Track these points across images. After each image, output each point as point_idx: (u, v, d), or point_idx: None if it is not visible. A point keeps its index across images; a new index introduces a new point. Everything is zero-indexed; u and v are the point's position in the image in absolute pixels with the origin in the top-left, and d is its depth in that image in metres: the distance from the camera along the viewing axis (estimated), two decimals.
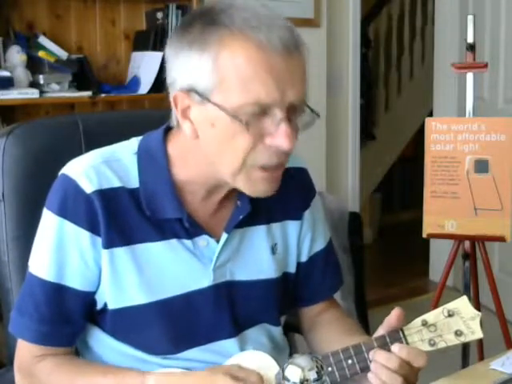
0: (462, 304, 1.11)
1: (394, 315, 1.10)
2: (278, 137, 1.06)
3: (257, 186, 1.11)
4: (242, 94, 1.03)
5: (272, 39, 1.03)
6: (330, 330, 1.31)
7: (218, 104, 1.05)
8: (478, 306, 2.42)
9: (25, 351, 1.18)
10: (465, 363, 2.45)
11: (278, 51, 1.03)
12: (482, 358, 2.41)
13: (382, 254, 5.06)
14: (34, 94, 2.50)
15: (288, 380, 0.98)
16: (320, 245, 1.35)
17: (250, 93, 1.03)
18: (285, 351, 1.32)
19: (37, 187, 1.23)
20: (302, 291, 1.35)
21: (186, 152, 1.16)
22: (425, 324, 1.10)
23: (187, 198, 1.18)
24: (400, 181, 5.81)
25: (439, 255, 3.90)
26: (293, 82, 1.05)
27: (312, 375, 0.98)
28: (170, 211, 1.15)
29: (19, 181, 1.34)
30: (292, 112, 1.08)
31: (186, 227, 1.16)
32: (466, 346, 2.47)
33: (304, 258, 1.33)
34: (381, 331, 1.11)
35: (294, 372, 0.98)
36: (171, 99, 1.12)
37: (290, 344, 1.38)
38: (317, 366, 0.99)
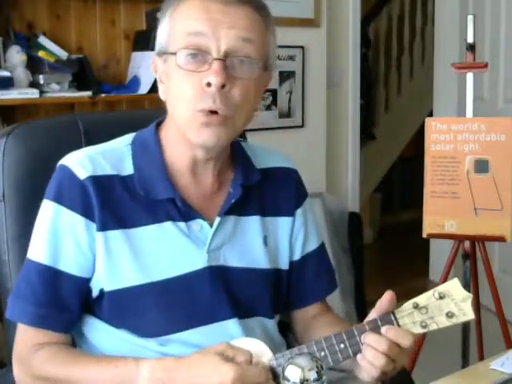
0: (453, 286, 1.11)
1: (385, 298, 1.11)
2: (209, 73, 1.12)
3: (198, 131, 1.15)
4: (184, 36, 1.14)
5: None
6: (326, 331, 1.30)
7: (167, 51, 1.17)
8: (477, 305, 2.42)
9: (22, 341, 1.19)
10: (465, 363, 2.45)
11: (217, 1, 1.14)
12: (482, 357, 2.41)
13: (382, 253, 5.06)
14: (33, 94, 2.49)
15: (288, 380, 0.98)
16: (313, 245, 1.37)
17: (190, 34, 1.14)
18: (281, 349, 1.32)
19: (37, 187, 1.23)
20: (295, 291, 1.36)
21: (171, 132, 1.23)
22: (416, 307, 1.10)
23: (180, 181, 1.23)
24: (400, 181, 5.81)
25: (439, 255, 3.90)
26: (229, 26, 1.13)
27: (312, 375, 0.98)
28: (163, 192, 1.19)
29: (19, 181, 1.34)
30: (231, 61, 1.14)
31: (180, 208, 1.20)
32: (465, 346, 2.47)
33: (297, 257, 1.35)
34: (373, 314, 1.12)
35: (294, 372, 0.98)
36: (152, 67, 1.24)
37: (287, 343, 1.37)
38: (317, 366, 0.99)
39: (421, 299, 1.11)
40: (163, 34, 1.19)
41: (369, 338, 1.08)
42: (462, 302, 1.10)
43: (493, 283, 2.36)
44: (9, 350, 1.25)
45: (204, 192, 1.24)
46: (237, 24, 1.14)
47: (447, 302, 1.10)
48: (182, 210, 1.20)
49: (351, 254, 3.32)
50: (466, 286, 2.41)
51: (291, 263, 1.34)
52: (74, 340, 1.26)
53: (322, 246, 1.40)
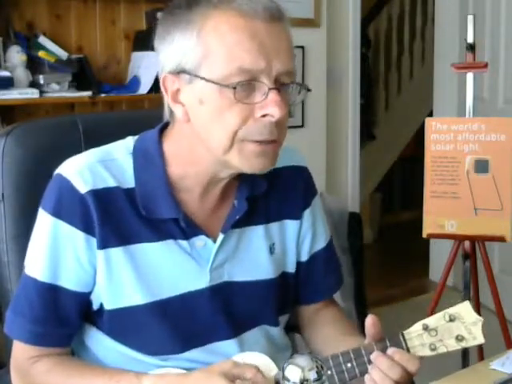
0: (464, 309, 1.09)
1: (368, 324, 1.07)
2: (268, 105, 1.06)
3: (251, 160, 1.10)
4: (228, 62, 1.04)
5: (255, 7, 1.05)
6: (326, 330, 1.30)
7: (205, 78, 1.06)
8: (478, 305, 2.42)
9: (20, 352, 1.17)
10: (465, 363, 2.45)
11: (260, 18, 1.05)
12: (482, 358, 2.41)
13: (382, 254, 5.06)
14: (33, 93, 2.49)
15: (288, 380, 0.98)
16: (321, 244, 1.34)
17: (236, 61, 1.04)
18: (286, 351, 1.31)
19: (36, 187, 1.23)
20: (303, 290, 1.34)
21: (181, 147, 1.16)
22: (426, 328, 1.08)
23: (184, 197, 1.17)
24: (400, 181, 5.81)
25: (439, 255, 3.90)
26: (278, 50, 1.06)
27: (312, 375, 0.98)
28: (167, 211, 1.15)
29: (19, 181, 1.34)
30: (281, 85, 1.08)
31: (183, 227, 1.15)
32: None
33: (304, 258, 1.32)
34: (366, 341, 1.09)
35: (294, 372, 0.98)
36: (161, 84, 1.12)
37: (292, 346, 1.37)
38: (317, 366, 0.99)
39: (431, 321, 1.08)
40: (188, 53, 1.06)
41: (380, 362, 1.04)
42: (473, 326, 1.08)
43: (493, 283, 2.36)
44: (8, 350, 1.25)
45: (208, 206, 1.19)
46: (282, 47, 1.07)
47: (457, 325, 1.08)
48: (185, 229, 1.16)
49: (351, 254, 3.32)
50: (466, 286, 2.41)
51: (298, 264, 1.31)
52: (74, 349, 1.24)
53: (329, 243, 1.37)
